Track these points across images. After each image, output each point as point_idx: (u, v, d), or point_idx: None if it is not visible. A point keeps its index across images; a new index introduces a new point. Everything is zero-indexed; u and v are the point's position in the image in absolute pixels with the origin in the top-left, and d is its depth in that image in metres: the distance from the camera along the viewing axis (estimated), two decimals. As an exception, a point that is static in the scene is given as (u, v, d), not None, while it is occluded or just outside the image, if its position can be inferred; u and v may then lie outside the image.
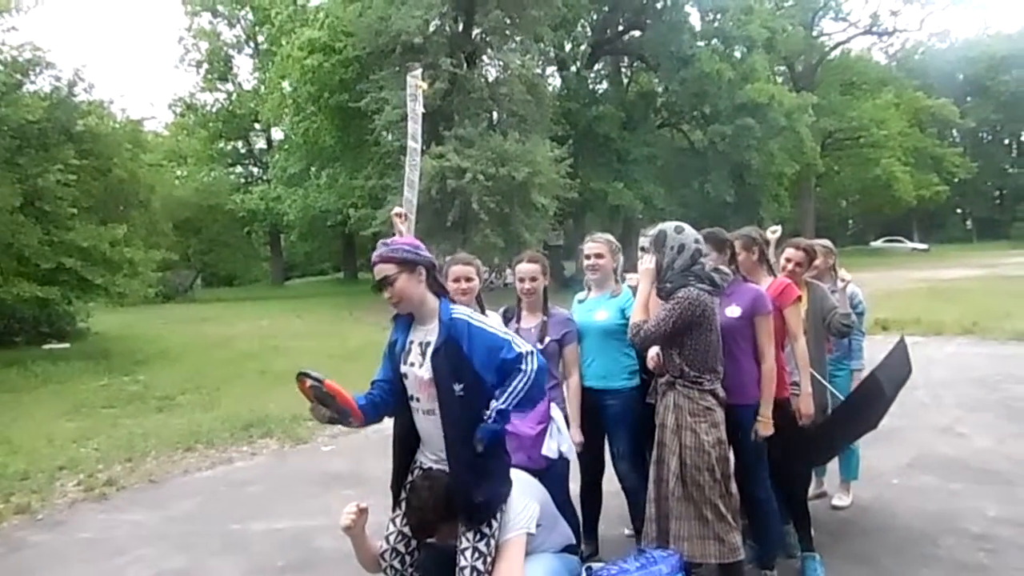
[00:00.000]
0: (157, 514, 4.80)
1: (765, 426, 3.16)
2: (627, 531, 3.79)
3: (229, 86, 39.82)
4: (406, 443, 2.62)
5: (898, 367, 3.76)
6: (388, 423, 2.74)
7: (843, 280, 4.02)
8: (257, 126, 38.81)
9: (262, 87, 34.16)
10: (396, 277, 2.40)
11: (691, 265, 2.95)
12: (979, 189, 54.22)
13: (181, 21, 40.51)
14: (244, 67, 40.31)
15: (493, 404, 2.31)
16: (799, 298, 3.51)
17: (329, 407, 2.38)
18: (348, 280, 39.25)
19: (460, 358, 2.36)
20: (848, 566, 3.52)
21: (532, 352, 2.39)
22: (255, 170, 41.01)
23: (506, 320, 3.47)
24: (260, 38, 37.76)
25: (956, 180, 46.19)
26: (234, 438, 6.66)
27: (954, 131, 50.93)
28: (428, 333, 2.45)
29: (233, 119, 38.40)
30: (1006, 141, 58.57)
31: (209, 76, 39.02)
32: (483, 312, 3.27)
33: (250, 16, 37.66)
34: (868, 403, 3.64)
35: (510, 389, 2.32)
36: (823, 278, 4.19)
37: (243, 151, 41.16)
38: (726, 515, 2.90)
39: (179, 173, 35.02)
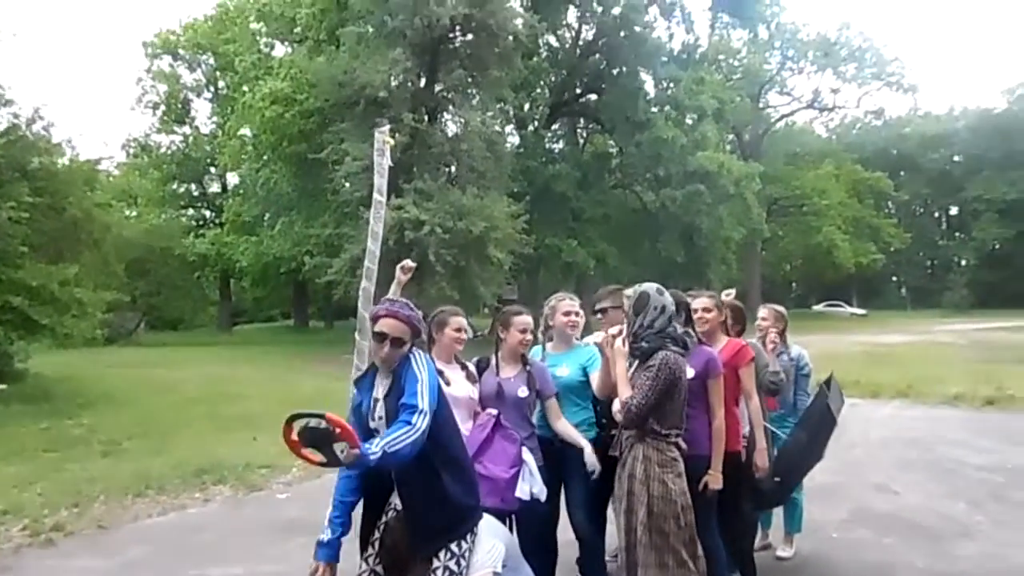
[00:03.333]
0: (109, 561, 4.72)
1: (715, 480, 3.36)
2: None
3: (186, 129, 39.64)
4: (377, 489, 2.75)
5: (836, 395, 4.04)
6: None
7: (772, 342, 4.33)
8: (213, 170, 38.59)
9: (220, 132, 34.16)
10: (406, 343, 2.60)
11: (667, 327, 3.19)
12: (912, 259, 57.10)
13: (140, 62, 40.26)
14: (202, 111, 40.17)
15: (377, 442, 2.32)
16: (752, 359, 3.76)
17: (321, 449, 2.30)
18: (299, 328, 38.73)
19: (400, 393, 2.53)
20: (791, 613, 3.72)
21: (426, 414, 2.45)
22: (208, 213, 40.58)
23: (480, 370, 3.62)
24: (221, 83, 37.87)
25: (891, 249, 48.56)
26: (186, 484, 6.56)
27: (889, 203, 53.82)
28: (386, 384, 2.65)
29: (188, 162, 38.09)
30: (936, 214, 62.07)
31: (166, 118, 38.80)
32: (460, 362, 3.44)
33: (212, 61, 37.80)
34: (820, 431, 3.90)
35: (393, 436, 2.35)
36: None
37: (196, 194, 40.75)
38: (687, 561, 3.07)
39: (128, 214, 34.43)
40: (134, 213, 35.36)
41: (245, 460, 7.30)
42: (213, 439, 8.76)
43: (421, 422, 2.40)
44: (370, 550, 2.73)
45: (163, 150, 39.11)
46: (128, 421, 10.20)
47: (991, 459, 7.09)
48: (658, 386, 3.08)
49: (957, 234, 59.07)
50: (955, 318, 40.66)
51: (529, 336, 3.62)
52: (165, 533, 5.34)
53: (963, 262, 57.26)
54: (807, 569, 4.35)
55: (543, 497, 3.36)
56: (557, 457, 3.62)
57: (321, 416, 2.28)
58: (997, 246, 53.38)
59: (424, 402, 2.45)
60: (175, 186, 39.16)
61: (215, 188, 40.63)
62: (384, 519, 2.70)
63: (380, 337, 2.59)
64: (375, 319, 2.64)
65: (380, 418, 2.61)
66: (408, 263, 3.37)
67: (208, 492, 6.42)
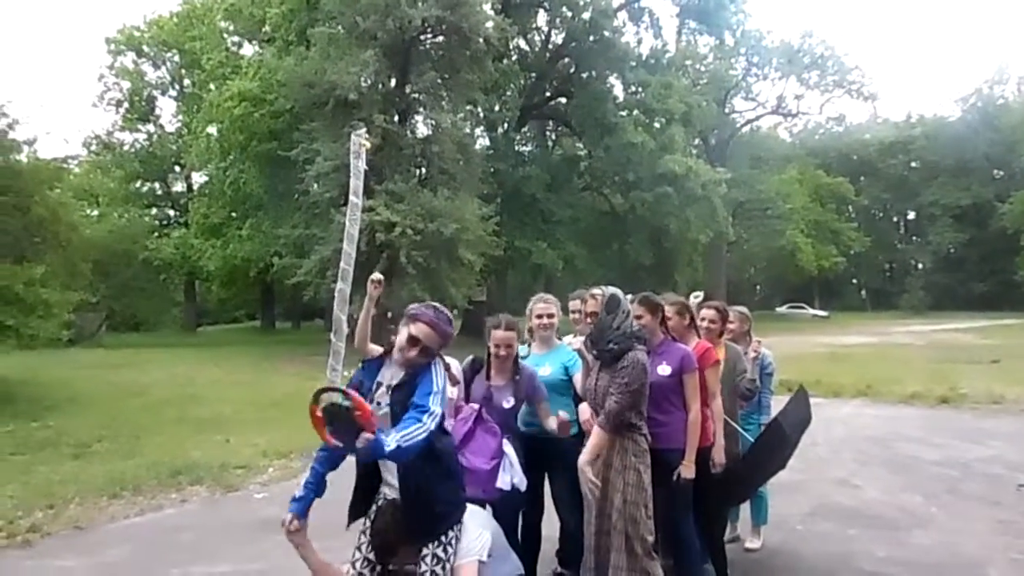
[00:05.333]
0: (89, 560, 4.74)
1: (688, 469, 3.54)
2: (557, 569, 4.08)
3: (150, 127, 39.00)
4: (368, 476, 2.86)
5: (798, 414, 4.20)
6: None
7: (755, 351, 4.53)
8: (178, 168, 38.02)
9: (185, 130, 33.69)
10: (433, 353, 2.71)
11: (630, 328, 3.36)
12: (872, 262, 58.43)
13: (103, 59, 39.29)
14: (167, 108, 39.57)
15: (393, 434, 2.44)
16: (718, 361, 3.94)
17: (340, 428, 2.35)
18: (265, 329, 38.34)
19: (412, 391, 2.66)
20: (759, 601, 3.91)
21: (436, 416, 2.59)
22: (172, 212, 39.94)
23: (474, 371, 3.75)
24: (187, 81, 37.33)
25: (852, 252, 49.77)
26: (162, 485, 6.56)
27: (850, 207, 55.08)
28: (396, 375, 2.77)
29: (153, 160, 37.47)
30: (894, 219, 63.64)
31: (129, 116, 38.12)
32: (443, 360, 3.57)
33: (177, 58, 37.23)
34: (772, 447, 4.05)
35: (407, 431, 2.48)
36: (739, 342, 4.68)
37: (160, 193, 40.08)
38: (651, 550, 3.25)
39: (89, 212, 33.72)
40: (95, 212, 34.67)
41: (220, 461, 7.34)
42: (185, 441, 8.73)
43: (431, 422, 2.55)
44: (362, 538, 2.84)
45: (126, 148, 38.42)
46: (96, 424, 10.09)
47: (945, 454, 7.41)
48: (634, 384, 3.25)
49: (914, 238, 60.70)
50: (912, 319, 41.77)
51: (504, 351, 3.68)
52: (144, 533, 5.36)
53: (920, 265, 58.92)
54: (775, 560, 4.56)
55: (523, 487, 3.50)
56: (540, 452, 3.77)
57: (344, 392, 2.36)
58: (952, 250, 54.95)
59: (436, 407, 2.60)
60: (139, 185, 38.48)
61: (180, 187, 40.03)
62: (375, 506, 2.82)
63: (413, 341, 2.68)
64: (413, 319, 2.71)
65: (379, 404, 2.73)
66: (377, 276, 3.44)
67: (185, 493, 6.44)
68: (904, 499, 5.82)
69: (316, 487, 2.85)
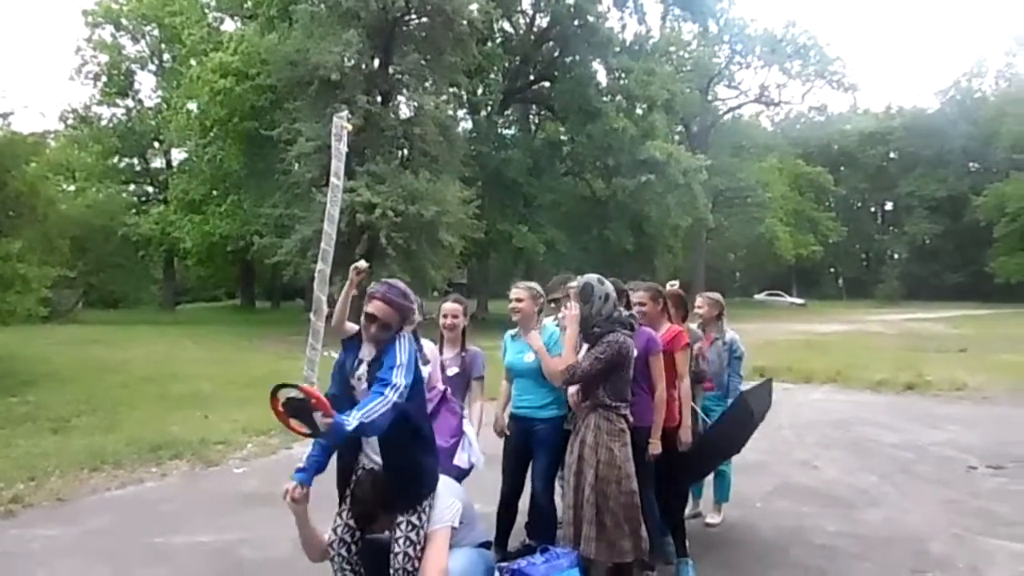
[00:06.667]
0: (72, 529, 4.86)
1: (654, 446, 3.77)
2: (525, 540, 4.27)
3: (129, 101, 38.44)
4: (350, 448, 3.02)
5: (763, 398, 4.42)
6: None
7: (708, 341, 4.73)
8: (157, 145, 37.54)
9: (165, 105, 33.29)
10: (392, 328, 2.84)
11: (613, 312, 3.53)
12: (849, 251, 59.43)
13: (80, 31, 38.48)
14: (147, 83, 38.94)
15: (354, 413, 2.56)
16: (687, 345, 4.13)
17: (303, 419, 2.49)
18: (245, 308, 38.20)
19: (381, 366, 2.81)
20: (716, 570, 4.14)
21: (398, 388, 2.70)
22: (150, 189, 39.49)
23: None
24: (166, 56, 36.83)
25: (830, 242, 50.48)
26: (142, 459, 6.65)
27: (829, 197, 55.73)
28: (372, 351, 2.93)
29: (131, 135, 36.97)
30: (872, 209, 64.54)
31: (107, 90, 37.53)
32: (417, 341, 3.74)
33: (157, 32, 36.67)
34: (737, 422, 4.25)
35: (368, 407, 2.60)
36: (709, 326, 4.89)
37: (139, 169, 39.57)
38: (623, 524, 3.43)
39: (65, 187, 33.21)
40: (72, 187, 34.19)
41: (199, 436, 7.44)
42: (164, 417, 8.80)
43: (392, 395, 2.67)
44: (343, 505, 3.02)
45: (104, 123, 37.86)
46: (75, 399, 10.10)
47: (905, 438, 7.71)
48: (603, 361, 3.43)
49: (891, 228, 61.60)
50: (887, 308, 42.52)
51: (451, 321, 3.98)
52: (125, 505, 5.48)
53: (896, 255, 59.92)
54: (731, 534, 4.79)
55: (480, 466, 3.70)
56: (526, 432, 3.99)
57: (296, 387, 2.49)
58: (927, 241, 55.92)
59: (399, 379, 2.72)
60: (117, 160, 37.96)
61: (159, 163, 39.54)
62: (355, 476, 2.99)
63: (370, 318, 2.84)
64: (369, 298, 2.86)
65: (360, 378, 2.91)
66: (362, 263, 3.57)
67: (165, 467, 6.54)
68: (860, 479, 6.08)
69: (319, 462, 3.00)
